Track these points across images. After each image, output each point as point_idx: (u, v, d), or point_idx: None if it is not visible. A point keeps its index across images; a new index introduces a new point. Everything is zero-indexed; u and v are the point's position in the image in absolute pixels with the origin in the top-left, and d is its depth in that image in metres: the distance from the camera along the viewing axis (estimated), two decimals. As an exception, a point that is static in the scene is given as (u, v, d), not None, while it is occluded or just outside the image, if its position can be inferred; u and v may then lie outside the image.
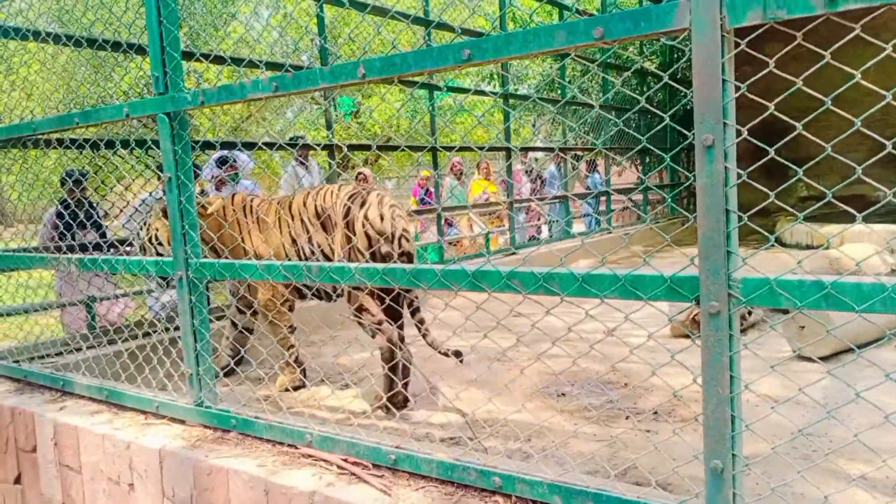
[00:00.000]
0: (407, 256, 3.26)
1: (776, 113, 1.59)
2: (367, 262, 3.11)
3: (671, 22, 1.54)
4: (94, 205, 5.10)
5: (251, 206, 3.59)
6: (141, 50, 4.15)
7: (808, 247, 7.23)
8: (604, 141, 9.08)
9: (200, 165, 5.87)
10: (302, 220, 3.42)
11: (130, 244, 4.25)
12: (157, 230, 3.52)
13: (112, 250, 4.52)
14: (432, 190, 10.40)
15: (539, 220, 9.87)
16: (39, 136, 3.33)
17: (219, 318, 4.23)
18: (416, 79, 4.70)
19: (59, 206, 4.73)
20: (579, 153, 9.29)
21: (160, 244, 3.50)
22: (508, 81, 7.44)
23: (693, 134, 1.52)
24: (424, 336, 3.34)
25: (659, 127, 9.43)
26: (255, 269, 2.39)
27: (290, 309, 3.66)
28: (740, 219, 1.50)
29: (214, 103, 2.43)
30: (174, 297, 2.84)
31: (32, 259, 3.37)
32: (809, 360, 3.39)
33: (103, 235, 5.02)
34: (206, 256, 3.02)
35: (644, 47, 9.85)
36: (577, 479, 1.79)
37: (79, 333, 4.24)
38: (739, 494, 1.56)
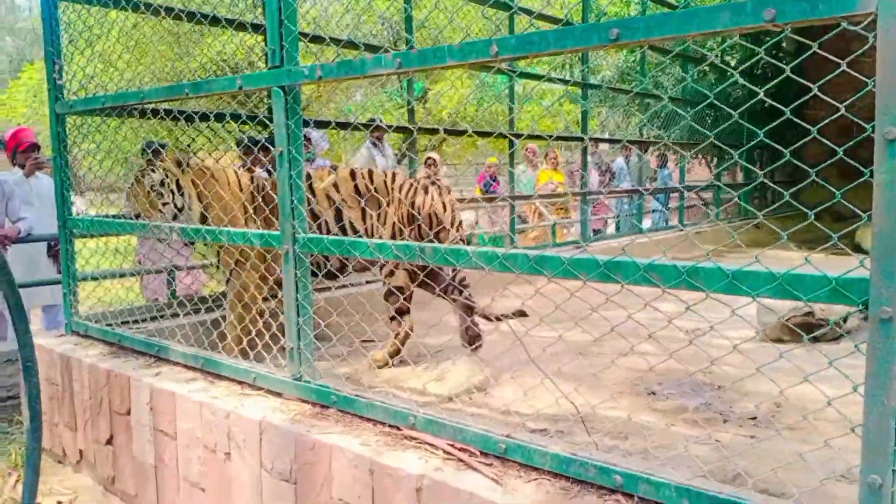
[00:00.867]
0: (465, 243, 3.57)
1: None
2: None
3: (854, 6, 1.44)
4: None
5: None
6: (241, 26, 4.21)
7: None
8: (680, 135, 8.81)
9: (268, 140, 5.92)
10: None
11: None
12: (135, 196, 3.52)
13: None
14: (499, 178, 10.32)
15: (606, 213, 9.70)
16: (147, 105, 3.38)
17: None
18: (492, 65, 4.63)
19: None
20: (659, 148, 9.06)
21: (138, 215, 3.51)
22: (588, 71, 7.27)
23: (872, 126, 1.42)
24: (474, 311, 3.57)
25: (729, 122, 9.09)
26: (365, 246, 2.37)
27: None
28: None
29: (332, 78, 2.41)
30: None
31: (133, 226, 3.43)
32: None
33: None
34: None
35: (724, 41, 9.51)
36: (708, 485, 1.72)
37: (163, 301, 4.35)
38: (900, 513, 1.46)
